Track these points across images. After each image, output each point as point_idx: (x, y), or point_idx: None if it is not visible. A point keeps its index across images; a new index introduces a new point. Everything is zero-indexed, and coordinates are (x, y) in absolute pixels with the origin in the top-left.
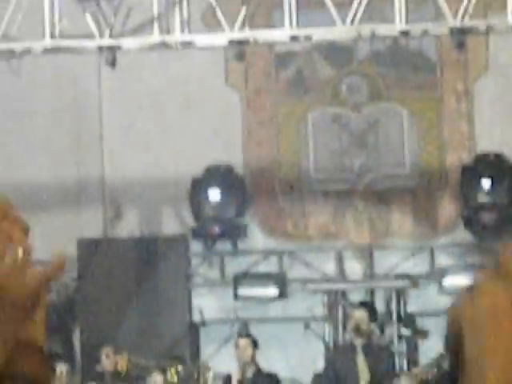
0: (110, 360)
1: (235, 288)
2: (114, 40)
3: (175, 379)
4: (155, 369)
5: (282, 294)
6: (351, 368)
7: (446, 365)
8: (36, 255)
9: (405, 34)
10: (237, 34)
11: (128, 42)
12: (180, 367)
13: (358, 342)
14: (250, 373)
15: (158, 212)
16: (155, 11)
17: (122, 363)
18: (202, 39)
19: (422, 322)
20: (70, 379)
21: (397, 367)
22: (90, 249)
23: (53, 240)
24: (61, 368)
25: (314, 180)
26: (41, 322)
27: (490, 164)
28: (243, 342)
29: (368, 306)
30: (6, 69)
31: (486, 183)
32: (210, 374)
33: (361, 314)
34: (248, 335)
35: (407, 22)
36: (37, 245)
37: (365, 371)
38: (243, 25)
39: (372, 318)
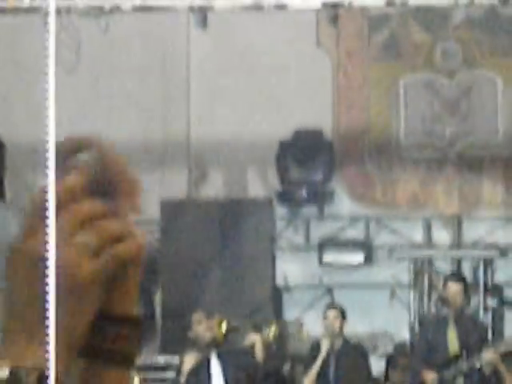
0: (203, 326)
1: (320, 253)
2: (206, 0)
3: (271, 338)
4: (250, 329)
5: (368, 261)
6: (442, 339)
7: None
8: None
9: (504, 1)
10: None
11: (220, 3)
12: (275, 326)
13: (451, 314)
14: (337, 344)
15: (243, 174)
16: None
17: (222, 327)
18: (295, 1)
19: (509, 293)
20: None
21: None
22: (173, 210)
23: None
24: None
25: (404, 146)
26: (129, 294)
27: None
28: (332, 312)
29: (463, 278)
30: (94, 26)
31: None
32: (303, 332)
33: (457, 287)
34: (337, 306)
35: None
36: None
37: (455, 343)
38: None
39: (466, 290)
